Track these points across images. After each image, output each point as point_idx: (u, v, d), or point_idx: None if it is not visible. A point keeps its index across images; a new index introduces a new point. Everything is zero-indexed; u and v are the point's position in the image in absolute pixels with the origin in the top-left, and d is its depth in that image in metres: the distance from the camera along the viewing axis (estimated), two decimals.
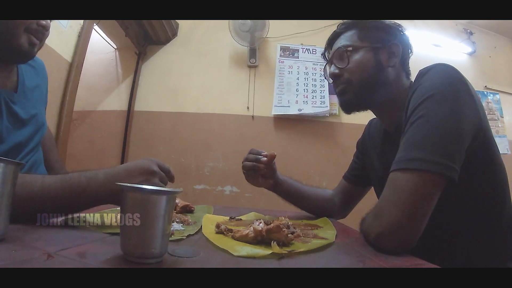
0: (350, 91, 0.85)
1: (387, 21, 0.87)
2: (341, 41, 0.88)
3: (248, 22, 2.48)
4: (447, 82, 0.68)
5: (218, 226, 0.67)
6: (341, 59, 0.86)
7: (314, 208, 1.08)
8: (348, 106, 0.89)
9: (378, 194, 0.97)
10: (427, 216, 0.60)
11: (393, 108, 0.84)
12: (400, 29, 0.87)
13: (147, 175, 0.65)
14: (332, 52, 0.90)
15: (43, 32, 0.84)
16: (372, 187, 1.06)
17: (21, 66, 0.97)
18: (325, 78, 0.99)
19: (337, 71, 0.86)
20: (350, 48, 0.84)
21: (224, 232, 0.64)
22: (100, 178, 0.62)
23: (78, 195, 0.60)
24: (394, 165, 0.65)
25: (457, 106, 0.65)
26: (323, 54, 0.97)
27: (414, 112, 0.68)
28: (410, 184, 0.60)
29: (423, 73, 0.74)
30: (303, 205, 1.09)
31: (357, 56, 0.84)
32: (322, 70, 1.03)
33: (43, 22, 0.82)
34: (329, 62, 0.92)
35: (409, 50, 0.88)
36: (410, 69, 0.89)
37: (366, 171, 1.06)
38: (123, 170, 0.64)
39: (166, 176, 0.69)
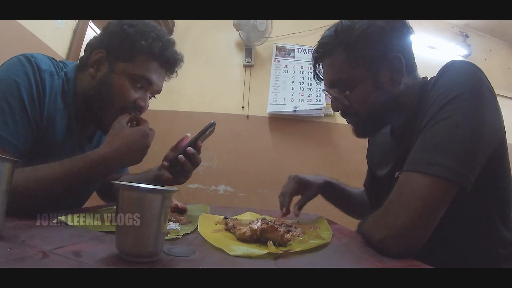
0: (360, 123, 0.82)
1: (377, 24, 0.73)
2: (332, 70, 0.79)
3: (251, 22, 2.47)
4: (472, 83, 0.63)
5: (226, 223, 0.69)
6: (339, 96, 0.78)
7: (358, 210, 1.03)
8: (363, 135, 0.86)
9: (373, 192, 0.96)
10: (435, 222, 0.58)
11: (403, 110, 0.78)
12: (395, 26, 0.74)
13: (140, 136, 0.73)
14: (328, 82, 0.81)
15: (139, 110, 0.83)
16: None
17: None
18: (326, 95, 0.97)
19: (339, 106, 0.80)
20: (347, 92, 0.76)
21: (231, 230, 0.65)
22: (100, 149, 0.70)
23: (87, 168, 0.66)
24: (410, 165, 0.61)
25: (483, 113, 0.61)
26: (315, 74, 0.88)
27: (440, 111, 0.62)
28: (426, 189, 0.57)
29: (445, 70, 0.69)
30: (349, 209, 1.05)
31: (356, 92, 0.75)
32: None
33: (142, 103, 0.82)
34: (327, 89, 0.85)
35: (410, 45, 0.77)
36: (415, 61, 0.79)
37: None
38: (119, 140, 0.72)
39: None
